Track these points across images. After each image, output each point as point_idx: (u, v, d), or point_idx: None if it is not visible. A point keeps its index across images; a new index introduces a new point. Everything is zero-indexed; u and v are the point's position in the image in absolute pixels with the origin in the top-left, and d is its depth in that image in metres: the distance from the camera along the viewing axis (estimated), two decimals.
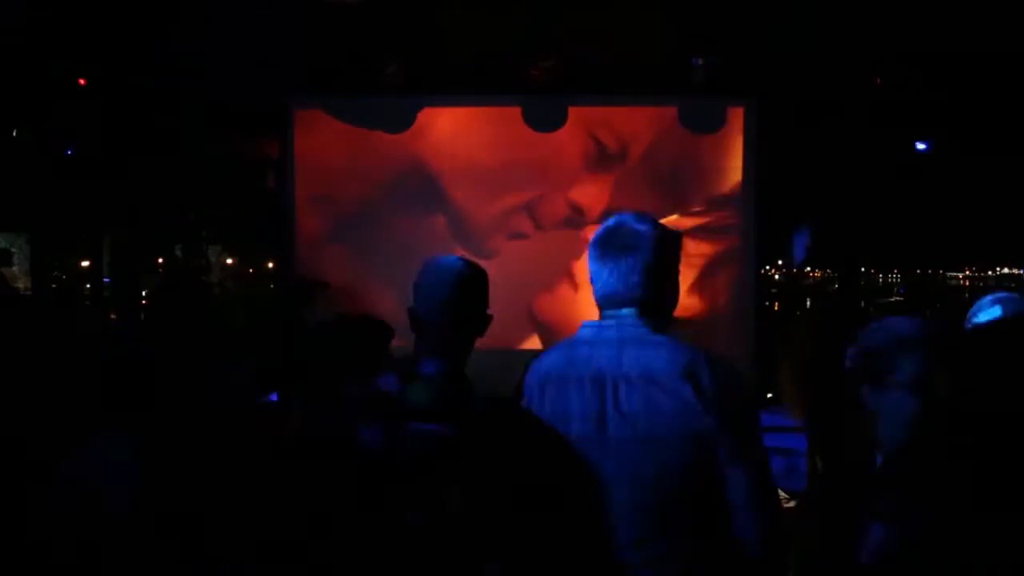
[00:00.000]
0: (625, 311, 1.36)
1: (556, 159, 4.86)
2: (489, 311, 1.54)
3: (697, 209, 4.89)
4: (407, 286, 1.55)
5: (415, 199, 4.84)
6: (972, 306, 1.83)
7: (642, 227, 1.38)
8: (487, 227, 4.87)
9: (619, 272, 1.35)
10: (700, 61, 4.46)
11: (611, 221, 1.42)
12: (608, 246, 1.38)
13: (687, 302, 4.55)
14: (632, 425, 1.29)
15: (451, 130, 4.90)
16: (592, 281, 1.41)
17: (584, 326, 1.40)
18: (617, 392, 1.31)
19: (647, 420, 1.29)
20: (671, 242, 1.41)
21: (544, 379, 1.40)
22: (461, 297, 1.48)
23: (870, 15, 3.92)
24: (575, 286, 4.74)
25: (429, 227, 4.82)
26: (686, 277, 4.91)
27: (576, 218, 4.84)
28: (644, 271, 1.35)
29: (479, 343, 1.53)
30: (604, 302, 1.39)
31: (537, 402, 1.39)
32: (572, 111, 4.78)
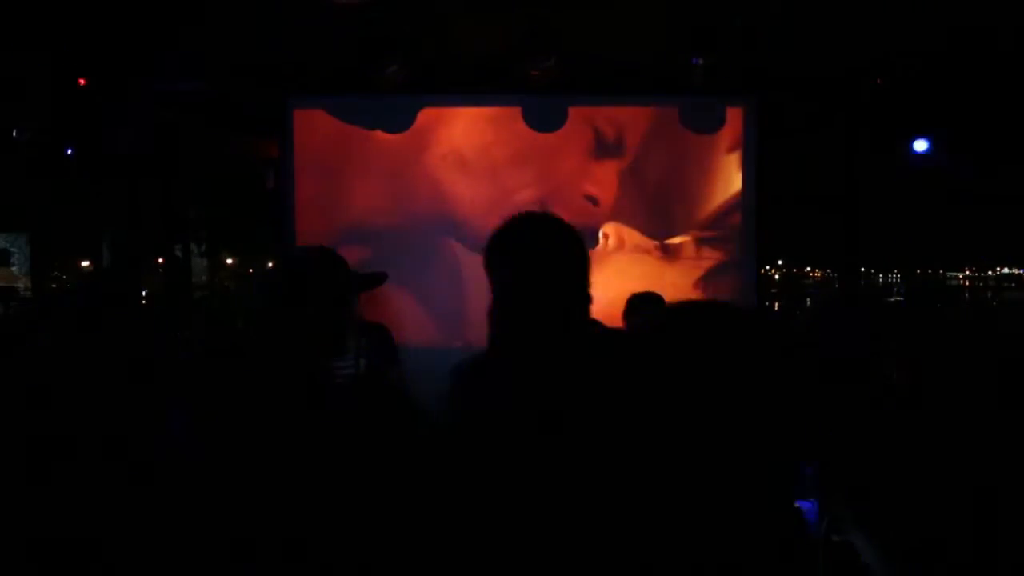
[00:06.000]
0: None
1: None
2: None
3: (698, 209, 4.89)
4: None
5: (417, 199, 4.84)
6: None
7: None
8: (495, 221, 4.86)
9: None
10: (700, 61, 4.45)
11: None
12: None
13: None
14: None
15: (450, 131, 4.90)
16: None
17: None
18: None
19: None
20: None
21: None
22: None
23: (871, 14, 3.92)
24: None
25: (433, 225, 4.82)
26: (687, 278, 4.94)
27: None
28: None
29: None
30: None
31: None
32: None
